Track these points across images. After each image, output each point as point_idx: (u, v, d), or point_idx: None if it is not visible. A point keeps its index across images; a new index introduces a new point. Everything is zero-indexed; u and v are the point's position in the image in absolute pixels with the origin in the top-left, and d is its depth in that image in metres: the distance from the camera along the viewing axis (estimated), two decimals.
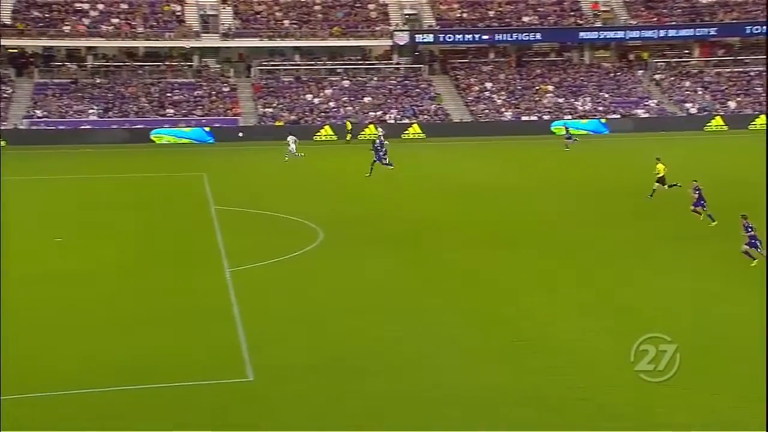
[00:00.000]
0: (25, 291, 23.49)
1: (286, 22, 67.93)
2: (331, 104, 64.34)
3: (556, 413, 15.65)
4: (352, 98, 65.03)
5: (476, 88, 67.02)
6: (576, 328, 19.88)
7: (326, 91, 65.49)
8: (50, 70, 64.76)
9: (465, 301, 22.26)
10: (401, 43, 67.49)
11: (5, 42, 63.54)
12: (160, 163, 48.58)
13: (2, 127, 57.44)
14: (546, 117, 63.66)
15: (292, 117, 62.34)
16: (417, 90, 66.60)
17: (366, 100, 64.91)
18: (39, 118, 59.72)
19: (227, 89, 64.72)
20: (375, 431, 15.12)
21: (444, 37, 68.12)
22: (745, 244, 24.40)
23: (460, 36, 68.39)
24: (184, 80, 65.10)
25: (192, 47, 66.23)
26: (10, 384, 17.10)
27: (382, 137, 45.35)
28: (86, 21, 65.42)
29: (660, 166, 34.88)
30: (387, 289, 23.41)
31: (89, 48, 65.73)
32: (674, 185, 34.22)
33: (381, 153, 42.85)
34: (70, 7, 66.17)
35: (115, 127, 59.26)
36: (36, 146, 55.12)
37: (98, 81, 64.02)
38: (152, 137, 58.42)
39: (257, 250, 27.44)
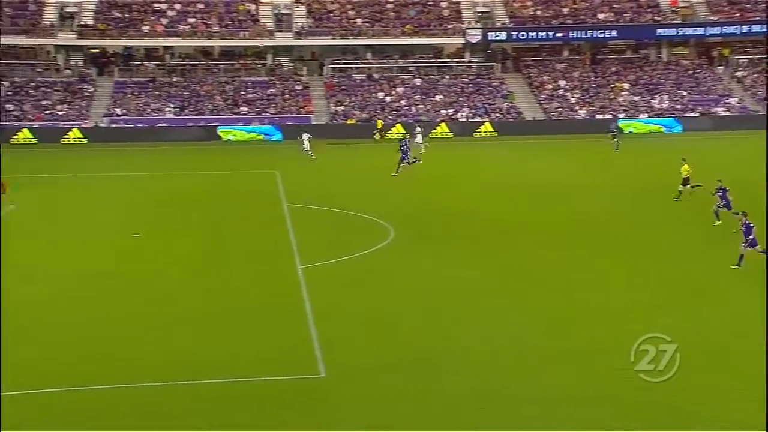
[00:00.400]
0: (102, 284, 24.34)
1: (359, 21, 68.44)
2: (403, 102, 64.61)
3: (629, 413, 15.63)
4: (424, 96, 65.18)
5: (549, 86, 66.47)
6: (647, 329, 19.71)
7: (398, 90, 65.78)
8: (129, 69, 66.55)
9: (534, 300, 22.29)
10: (473, 41, 67.34)
11: (88, 42, 65.65)
12: (235, 161, 49.48)
13: (83, 125, 59.34)
14: (621, 115, 62.77)
15: (364, 115, 62.80)
16: (489, 88, 66.40)
17: (437, 98, 64.99)
18: (118, 116, 61.46)
19: (300, 87, 65.55)
20: (451, 430, 15.23)
21: (517, 34, 67.71)
22: (744, 245, 24.36)
23: (534, 34, 67.89)
24: (258, 79, 66.16)
25: (266, 46, 67.24)
26: (92, 375, 17.85)
27: (407, 138, 45.82)
28: (164, 21, 67.04)
29: (685, 167, 34.47)
30: (457, 288, 23.50)
31: (166, 47, 67.32)
32: (697, 186, 33.86)
33: (407, 152, 43.00)
34: (148, 7, 67.88)
35: (190, 125, 60.60)
36: (115, 143, 56.70)
37: (175, 80, 65.53)
38: (219, 132, 59.45)
39: (329, 248, 27.81)
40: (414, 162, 43.04)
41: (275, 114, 62.48)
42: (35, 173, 45.49)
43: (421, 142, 49.81)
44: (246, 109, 63.05)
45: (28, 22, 64.77)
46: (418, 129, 51.77)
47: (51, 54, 66.43)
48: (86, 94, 63.77)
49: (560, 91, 65.77)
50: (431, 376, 17.52)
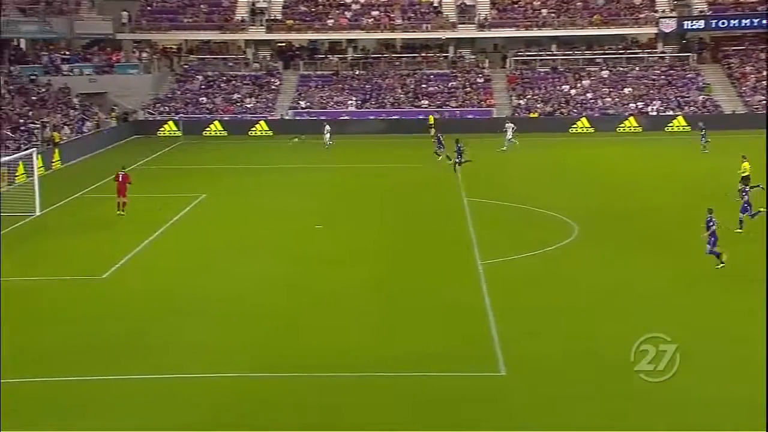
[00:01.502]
0: (286, 273, 25.10)
1: (544, 12, 67.20)
2: (589, 95, 62.85)
3: None
4: (611, 89, 63.12)
5: (752, 77, 62.57)
6: None
7: (583, 82, 64.06)
8: (314, 62, 68.56)
9: (718, 300, 21.52)
10: (667, 31, 64.49)
11: (276, 36, 68.30)
12: (415, 153, 49.85)
13: (270, 117, 61.73)
14: None
15: (548, 108, 61.62)
16: (683, 80, 63.38)
17: (626, 91, 62.76)
18: (302, 108, 63.50)
19: (481, 80, 65.19)
20: (639, 431, 14.61)
21: (717, 22, 64.19)
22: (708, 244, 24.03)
23: (736, 21, 64.11)
24: (439, 71, 66.38)
25: (448, 38, 67.37)
26: (268, 363, 18.37)
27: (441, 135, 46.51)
28: (348, 14, 68.56)
29: (745, 164, 33.00)
30: (643, 289, 22.77)
31: (350, 41, 68.86)
32: (756, 186, 31.18)
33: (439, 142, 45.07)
34: (334, 1, 69.66)
35: (371, 117, 61.66)
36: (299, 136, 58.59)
37: (357, 73, 66.91)
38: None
39: (510, 244, 27.47)
40: (462, 162, 41.48)
41: (456, 107, 62.47)
42: (226, 164, 47.81)
43: (511, 137, 49.52)
44: (427, 102, 63.41)
45: (221, 18, 68.11)
46: (509, 125, 50.81)
47: (241, 49, 69.56)
48: (273, 87, 66.27)
49: (764, 83, 61.76)
50: (618, 376, 16.84)
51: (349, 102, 63.98)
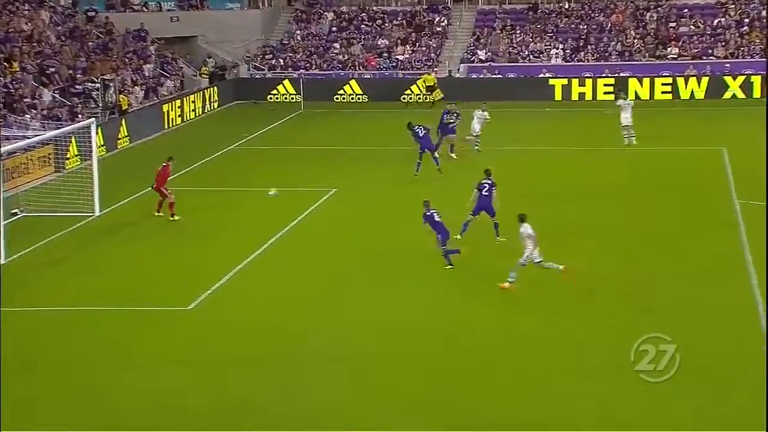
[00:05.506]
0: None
1: None
2: None
3: None
4: None
5: None
6: None
7: None
8: None
9: None
10: None
11: None
12: (654, 126, 48.97)
13: (436, 74, 61.93)
14: None
15: None
16: None
17: None
18: (481, 61, 63.49)
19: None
20: None
21: None
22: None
23: None
24: (699, 1, 65.40)
25: None
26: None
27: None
28: None
29: None
30: None
31: None
32: None
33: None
34: None
35: (587, 74, 60.98)
36: (472, 102, 58.57)
37: (567, 6, 66.69)
38: None
39: None
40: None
41: (722, 58, 61.02)
42: (366, 144, 48.51)
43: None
44: (676, 50, 62.18)
45: None
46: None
47: None
48: (437, 29, 66.58)
49: None
50: None
51: (554, 51, 63.53)
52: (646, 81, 59.08)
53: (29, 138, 37.69)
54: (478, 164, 36.31)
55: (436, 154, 40.13)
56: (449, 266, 28.16)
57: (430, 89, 59.18)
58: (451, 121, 42.45)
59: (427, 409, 19.88)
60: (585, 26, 65.06)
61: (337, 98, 61.57)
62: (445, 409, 19.87)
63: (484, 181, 30.64)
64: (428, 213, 28.25)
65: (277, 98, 61.81)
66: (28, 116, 43.39)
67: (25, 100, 45.49)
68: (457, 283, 27.59)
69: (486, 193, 30.38)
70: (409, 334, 23.90)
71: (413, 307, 25.82)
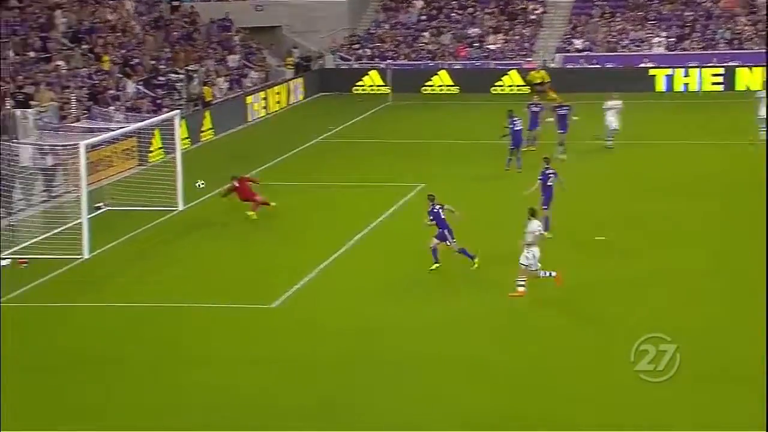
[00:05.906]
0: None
1: None
2: None
3: None
4: None
5: None
6: None
7: None
8: None
9: None
10: None
11: None
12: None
13: (524, 65, 61.68)
14: None
15: None
16: None
17: None
18: (578, 51, 63.22)
19: None
20: None
21: None
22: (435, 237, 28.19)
23: None
24: None
25: None
26: None
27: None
28: None
29: None
30: None
31: None
32: None
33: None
34: None
35: (692, 64, 60.50)
36: (572, 93, 58.22)
37: None
38: None
39: None
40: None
41: None
42: (457, 137, 48.57)
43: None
44: None
45: None
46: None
47: None
48: (531, 17, 66.47)
49: None
50: None
51: (656, 40, 63.07)
52: (758, 71, 58.32)
53: (113, 130, 38.26)
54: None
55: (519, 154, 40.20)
56: (473, 264, 28.12)
57: (539, 86, 55.52)
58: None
59: (514, 411, 19.98)
60: (691, 13, 64.46)
61: (425, 89, 61.89)
62: (532, 412, 19.96)
63: (548, 171, 30.90)
64: (435, 209, 28.30)
65: (363, 89, 62.34)
66: (112, 108, 44.19)
67: (110, 91, 46.34)
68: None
69: (550, 183, 30.70)
70: (489, 336, 24.02)
71: (493, 309, 25.80)
